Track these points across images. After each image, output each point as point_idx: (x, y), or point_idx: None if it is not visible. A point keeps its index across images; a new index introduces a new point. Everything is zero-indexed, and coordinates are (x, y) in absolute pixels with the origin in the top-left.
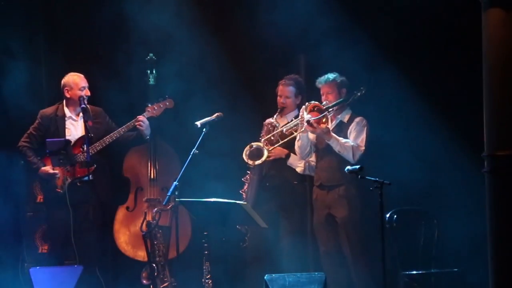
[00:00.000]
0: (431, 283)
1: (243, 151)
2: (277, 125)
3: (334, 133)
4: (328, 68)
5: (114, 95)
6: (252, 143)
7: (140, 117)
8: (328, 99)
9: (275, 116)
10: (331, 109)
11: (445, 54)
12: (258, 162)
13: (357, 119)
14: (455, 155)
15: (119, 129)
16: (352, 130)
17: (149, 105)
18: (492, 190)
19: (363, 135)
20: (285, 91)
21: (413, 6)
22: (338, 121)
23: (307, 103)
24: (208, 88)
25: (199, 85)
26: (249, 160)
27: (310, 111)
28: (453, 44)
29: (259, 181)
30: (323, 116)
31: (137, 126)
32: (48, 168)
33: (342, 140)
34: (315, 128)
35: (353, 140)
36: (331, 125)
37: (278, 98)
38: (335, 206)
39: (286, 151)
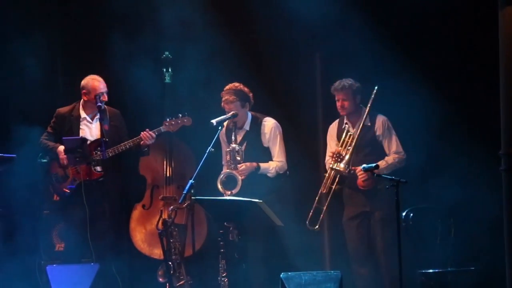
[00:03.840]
0: (447, 281)
1: (217, 185)
2: (238, 148)
3: (362, 137)
4: (343, 65)
5: (130, 94)
6: (221, 175)
7: (150, 133)
8: (344, 106)
9: (233, 136)
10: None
11: (462, 53)
12: (236, 190)
13: (379, 122)
14: (472, 153)
15: (126, 142)
16: (383, 139)
17: (168, 119)
18: (509, 188)
19: (394, 138)
20: (231, 107)
21: (429, 5)
22: (361, 126)
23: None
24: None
25: (215, 83)
26: (226, 191)
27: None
28: (470, 42)
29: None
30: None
31: (143, 138)
32: (61, 149)
33: (383, 164)
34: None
35: (391, 150)
36: (356, 133)
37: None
38: (371, 203)
39: (254, 164)
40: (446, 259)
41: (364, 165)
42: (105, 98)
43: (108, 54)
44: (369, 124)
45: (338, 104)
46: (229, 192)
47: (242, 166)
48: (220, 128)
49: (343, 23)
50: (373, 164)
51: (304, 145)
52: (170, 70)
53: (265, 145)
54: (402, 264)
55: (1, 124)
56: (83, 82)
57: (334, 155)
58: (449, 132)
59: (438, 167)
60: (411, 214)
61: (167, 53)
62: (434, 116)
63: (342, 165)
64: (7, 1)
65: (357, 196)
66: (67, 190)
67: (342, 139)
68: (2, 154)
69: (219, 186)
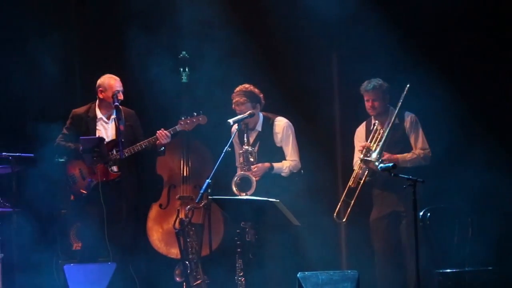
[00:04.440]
0: (465, 281)
1: (232, 188)
2: (251, 149)
3: (392, 136)
4: (361, 65)
5: (147, 93)
6: (235, 177)
7: (165, 132)
8: (374, 106)
9: (245, 138)
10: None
11: (481, 49)
12: (251, 191)
13: (407, 119)
14: (492, 152)
15: (142, 142)
16: (410, 135)
17: (183, 118)
18: None
19: (421, 135)
20: (242, 109)
21: (447, 1)
22: (390, 125)
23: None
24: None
25: (232, 82)
26: (241, 193)
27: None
28: (488, 37)
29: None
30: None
31: (158, 137)
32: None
33: (407, 157)
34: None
35: (417, 146)
36: (386, 130)
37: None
38: (402, 203)
39: (268, 164)
40: (464, 259)
41: (381, 165)
42: (121, 96)
43: (125, 54)
44: (397, 122)
45: (368, 104)
46: (244, 194)
47: (256, 167)
48: (238, 127)
49: (360, 22)
50: (390, 164)
51: (321, 145)
52: (187, 69)
53: (278, 145)
54: (419, 263)
55: (19, 124)
56: (99, 81)
57: (364, 149)
58: (467, 129)
59: (456, 166)
60: (429, 214)
61: (184, 52)
62: (451, 113)
63: (374, 155)
64: (25, 1)
65: (388, 196)
66: (83, 191)
67: (372, 135)
68: (20, 154)
69: (234, 189)
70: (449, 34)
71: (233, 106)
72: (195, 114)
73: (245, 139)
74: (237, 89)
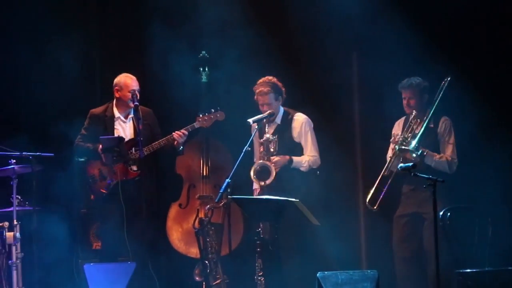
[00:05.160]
0: (485, 282)
1: (251, 174)
2: (272, 138)
3: (425, 138)
4: (380, 64)
5: (166, 93)
6: (255, 165)
7: (181, 132)
8: (410, 104)
9: (266, 127)
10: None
11: (502, 50)
12: (269, 180)
13: (442, 123)
14: (510, 153)
15: (160, 140)
16: (441, 140)
17: (200, 115)
18: None
19: (452, 142)
20: (265, 99)
21: (469, 2)
22: (428, 118)
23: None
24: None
25: (252, 82)
26: (260, 182)
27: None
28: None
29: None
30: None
31: (175, 137)
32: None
33: (436, 156)
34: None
35: (445, 153)
36: (423, 123)
37: (261, 107)
38: (426, 204)
39: (287, 157)
40: (484, 258)
41: (401, 164)
42: (137, 96)
43: (146, 53)
44: (432, 126)
45: (404, 102)
46: (263, 183)
47: (275, 159)
48: (256, 127)
49: (381, 20)
50: (410, 164)
51: (341, 144)
52: (207, 69)
53: (296, 140)
54: (439, 263)
55: (40, 123)
56: (115, 80)
57: (398, 137)
58: (489, 129)
59: (477, 166)
60: (449, 213)
61: (204, 52)
62: (473, 113)
63: (414, 141)
64: (46, 0)
65: (414, 195)
66: (104, 191)
67: (408, 124)
68: (40, 153)
69: (253, 176)
70: (472, 33)
71: (255, 97)
72: (213, 110)
73: (266, 129)
74: (260, 80)
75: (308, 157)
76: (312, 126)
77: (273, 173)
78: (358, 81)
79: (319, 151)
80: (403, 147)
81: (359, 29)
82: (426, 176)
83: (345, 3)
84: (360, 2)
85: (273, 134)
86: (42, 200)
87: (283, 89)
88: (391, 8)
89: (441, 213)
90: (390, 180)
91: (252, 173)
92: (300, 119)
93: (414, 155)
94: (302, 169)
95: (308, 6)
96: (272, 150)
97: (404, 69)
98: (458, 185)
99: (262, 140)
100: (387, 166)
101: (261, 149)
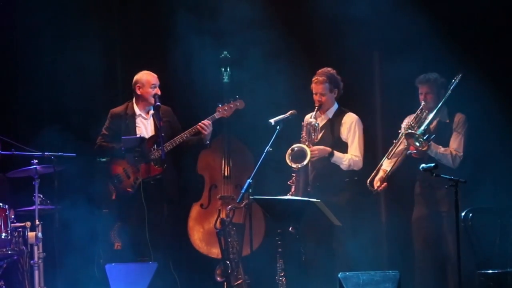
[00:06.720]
0: (507, 282)
1: (287, 154)
2: (316, 124)
3: (440, 134)
4: (402, 64)
5: (188, 93)
6: (294, 146)
7: (205, 122)
8: (426, 99)
9: (313, 113)
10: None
11: None
12: (302, 164)
13: (457, 119)
14: None
15: (182, 134)
16: (453, 133)
17: (220, 105)
18: None
19: (461, 137)
20: (319, 88)
21: (494, 3)
22: (437, 122)
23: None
24: (281, 86)
25: (273, 82)
26: (292, 164)
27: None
28: None
29: (305, 183)
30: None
31: (200, 129)
32: None
33: (441, 149)
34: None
35: (452, 146)
36: (432, 114)
37: (314, 96)
38: (443, 203)
39: (329, 149)
40: (506, 259)
41: (423, 165)
42: (158, 91)
43: (167, 53)
44: (447, 121)
45: (421, 97)
46: (296, 166)
47: (316, 147)
48: (278, 127)
49: (402, 20)
50: (432, 164)
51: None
52: (228, 69)
53: (343, 136)
54: (461, 264)
55: (61, 123)
56: (136, 77)
57: (408, 124)
58: (508, 128)
59: (499, 166)
60: (471, 214)
61: (226, 52)
62: (494, 113)
63: (423, 127)
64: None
65: (429, 195)
66: (130, 190)
67: (417, 114)
68: (62, 153)
69: (288, 156)
70: (492, 32)
71: (311, 85)
72: (232, 100)
73: (313, 113)
74: (320, 70)
75: (351, 156)
76: (362, 127)
77: (308, 157)
78: (379, 81)
79: (363, 155)
80: (409, 131)
81: (380, 28)
82: (448, 177)
83: (365, 3)
84: (380, 2)
85: (322, 126)
86: (63, 200)
87: (341, 83)
88: (411, 6)
89: (463, 214)
90: (393, 165)
91: (289, 151)
92: (351, 117)
93: (417, 143)
94: (342, 166)
95: (329, 7)
96: (313, 136)
97: (425, 67)
98: (479, 186)
99: (305, 123)
100: (391, 150)
101: (303, 133)
